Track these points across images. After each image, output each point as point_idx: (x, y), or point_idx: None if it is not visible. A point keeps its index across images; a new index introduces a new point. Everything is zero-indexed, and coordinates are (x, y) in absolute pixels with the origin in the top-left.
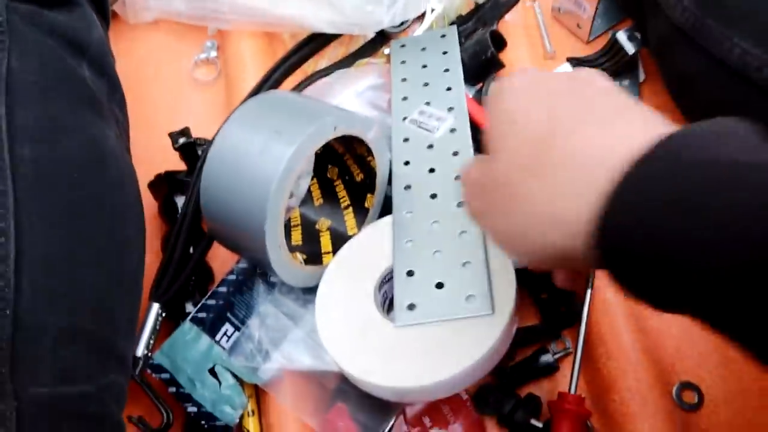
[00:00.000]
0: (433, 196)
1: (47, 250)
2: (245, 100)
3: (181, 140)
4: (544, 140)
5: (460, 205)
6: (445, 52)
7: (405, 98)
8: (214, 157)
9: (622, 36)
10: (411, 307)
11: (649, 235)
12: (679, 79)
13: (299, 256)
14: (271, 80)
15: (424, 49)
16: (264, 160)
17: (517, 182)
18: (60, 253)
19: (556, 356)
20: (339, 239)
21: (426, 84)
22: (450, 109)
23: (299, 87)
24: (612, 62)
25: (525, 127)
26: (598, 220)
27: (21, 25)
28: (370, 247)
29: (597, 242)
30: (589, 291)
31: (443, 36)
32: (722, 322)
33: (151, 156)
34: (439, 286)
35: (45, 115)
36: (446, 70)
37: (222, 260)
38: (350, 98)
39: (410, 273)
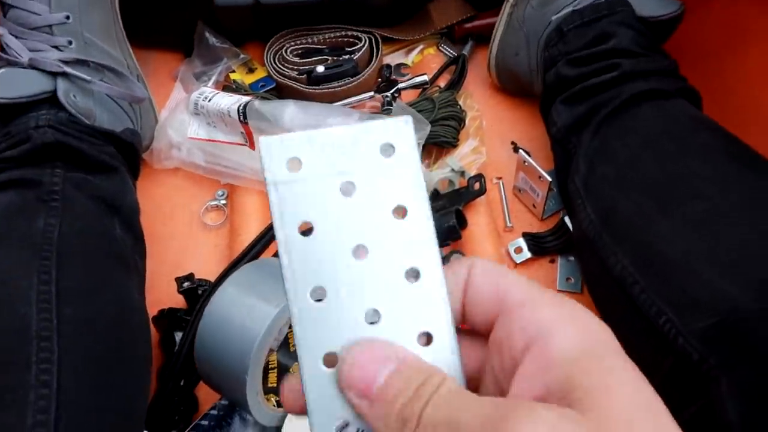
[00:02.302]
0: None
1: (79, 401)
2: (242, 256)
3: (186, 284)
4: None
5: None
6: None
7: None
8: (210, 313)
9: (568, 220)
10: None
11: None
12: (585, 275)
13: (273, 399)
14: (265, 239)
15: None
16: (251, 319)
17: None
18: (87, 404)
19: None
20: None
21: None
22: None
23: None
24: (559, 241)
25: None
26: None
27: (71, 191)
28: None
29: None
30: None
31: None
32: None
33: (158, 287)
34: None
35: (85, 277)
36: None
37: (206, 390)
38: None
39: None
